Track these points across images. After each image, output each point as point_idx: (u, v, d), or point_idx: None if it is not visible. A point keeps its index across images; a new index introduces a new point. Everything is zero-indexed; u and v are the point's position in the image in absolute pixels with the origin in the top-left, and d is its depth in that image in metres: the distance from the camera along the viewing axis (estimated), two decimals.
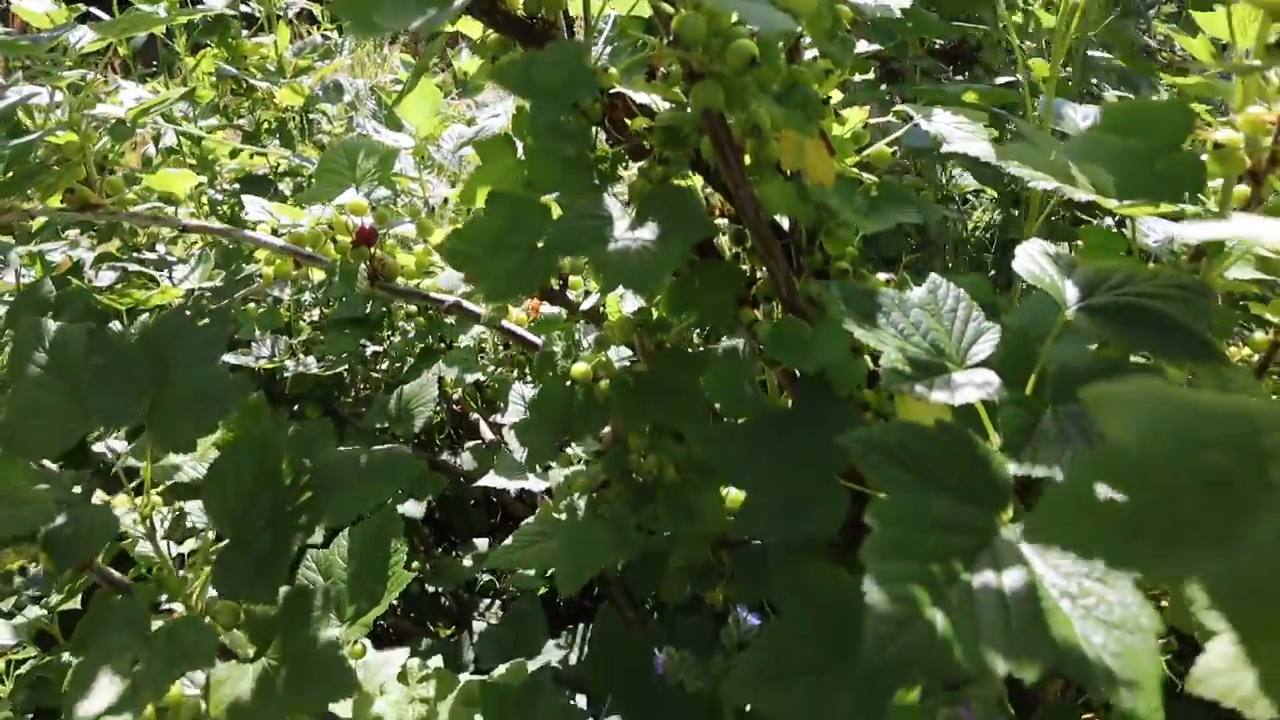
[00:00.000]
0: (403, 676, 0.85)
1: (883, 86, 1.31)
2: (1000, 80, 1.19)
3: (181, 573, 0.73)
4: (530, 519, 0.97)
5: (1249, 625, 0.28)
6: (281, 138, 1.64)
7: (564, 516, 0.78)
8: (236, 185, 1.74)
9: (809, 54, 0.76)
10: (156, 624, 0.64)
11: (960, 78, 1.73)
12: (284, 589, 0.65)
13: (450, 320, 1.59)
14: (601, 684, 0.90)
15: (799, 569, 0.60)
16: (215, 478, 0.63)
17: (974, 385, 0.54)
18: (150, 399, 0.64)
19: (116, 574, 0.68)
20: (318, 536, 0.63)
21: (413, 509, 1.48)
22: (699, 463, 0.74)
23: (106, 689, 0.55)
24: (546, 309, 1.06)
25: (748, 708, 0.76)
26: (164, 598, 0.68)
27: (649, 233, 0.61)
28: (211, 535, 0.73)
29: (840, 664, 0.56)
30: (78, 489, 0.64)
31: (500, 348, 1.67)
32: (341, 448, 0.71)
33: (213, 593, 0.76)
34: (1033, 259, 0.62)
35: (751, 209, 0.67)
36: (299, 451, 0.65)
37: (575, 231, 0.63)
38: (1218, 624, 0.47)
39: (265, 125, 1.79)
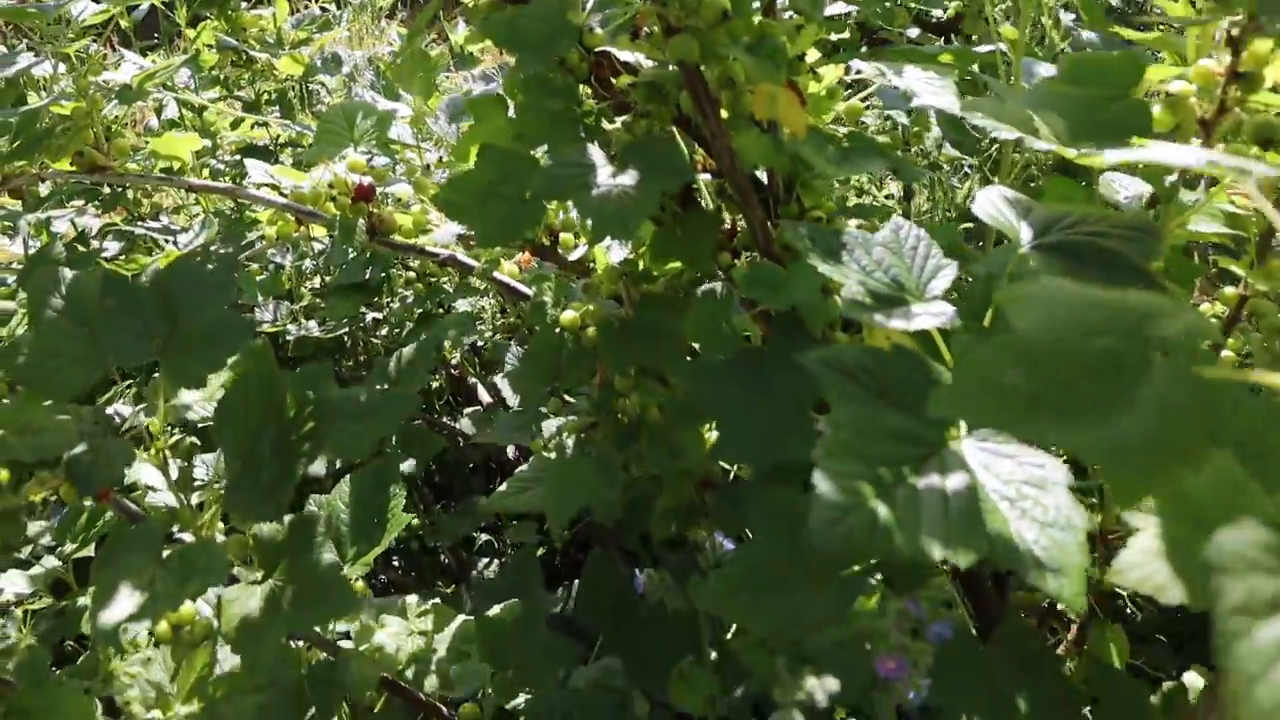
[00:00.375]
0: (402, 611, 0.90)
1: (863, 49, 1.34)
2: (981, 49, 1.23)
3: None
4: (524, 466, 1.01)
5: (1128, 488, 0.32)
6: (281, 108, 1.68)
7: (553, 455, 0.83)
8: (238, 156, 1.77)
9: (786, 15, 0.79)
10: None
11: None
12: (289, 517, 0.70)
13: (448, 287, 1.63)
14: (589, 616, 0.95)
15: (770, 495, 0.64)
16: (225, 411, 0.67)
17: (930, 314, 0.58)
18: (162, 339, 0.69)
19: (133, 506, 0.72)
20: (319, 467, 0.67)
21: (410, 468, 1.52)
22: (681, 404, 0.79)
23: (126, 601, 0.59)
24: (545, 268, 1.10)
25: (727, 636, 0.81)
26: (175, 528, 0.73)
27: (629, 179, 0.65)
28: (218, 485, 0.78)
29: (807, 578, 0.60)
30: (98, 424, 0.68)
31: (497, 314, 1.71)
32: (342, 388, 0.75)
33: (221, 537, 0.81)
34: (992, 203, 0.65)
35: (728, 158, 0.70)
36: (302, 388, 0.69)
37: (561, 179, 0.67)
38: (1140, 522, 0.51)
39: (265, 97, 1.82)
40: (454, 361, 1.81)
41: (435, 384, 1.85)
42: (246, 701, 0.69)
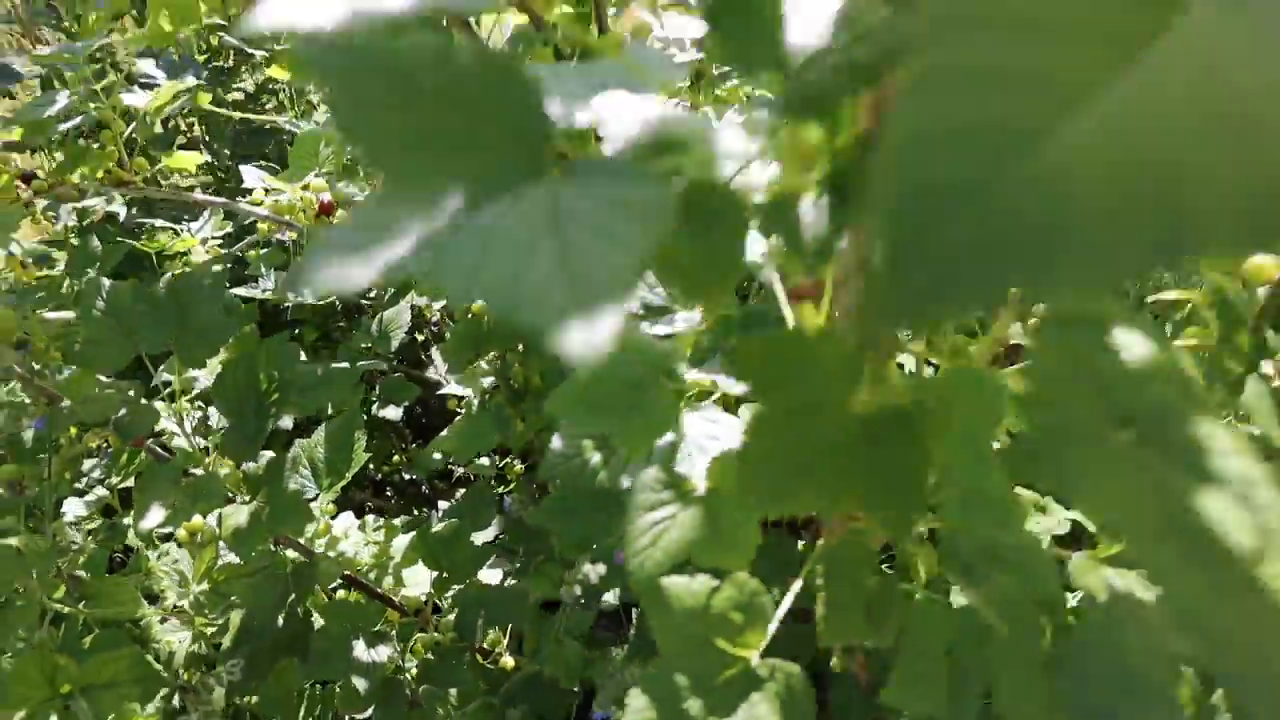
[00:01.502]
0: (362, 526, 1.20)
1: None
2: None
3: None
4: (460, 416, 1.30)
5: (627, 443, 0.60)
6: (275, 105, 1.94)
7: (463, 411, 1.12)
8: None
9: None
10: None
11: None
12: (266, 457, 0.99)
13: None
14: (512, 538, 1.25)
15: None
16: (220, 383, 0.96)
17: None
18: (176, 332, 0.98)
19: (160, 450, 1.02)
20: (287, 422, 0.96)
21: (392, 413, 1.83)
22: (555, 371, 1.07)
23: (156, 513, 0.89)
24: None
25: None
26: (190, 466, 1.02)
27: None
28: (218, 438, 1.08)
29: (605, 506, 0.88)
30: (132, 394, 0.97)
31: None
32: (306, 363, 1.04)
33: (225, 471, 1.11)
34: None
35: None
36: (273, 365, 0.98)
37: None
38: None
39: (264, 88, 2.09)
40: (434, 320, 2.10)
41: (421, 340, 2.15)
42: (241, 583, 0.99)
